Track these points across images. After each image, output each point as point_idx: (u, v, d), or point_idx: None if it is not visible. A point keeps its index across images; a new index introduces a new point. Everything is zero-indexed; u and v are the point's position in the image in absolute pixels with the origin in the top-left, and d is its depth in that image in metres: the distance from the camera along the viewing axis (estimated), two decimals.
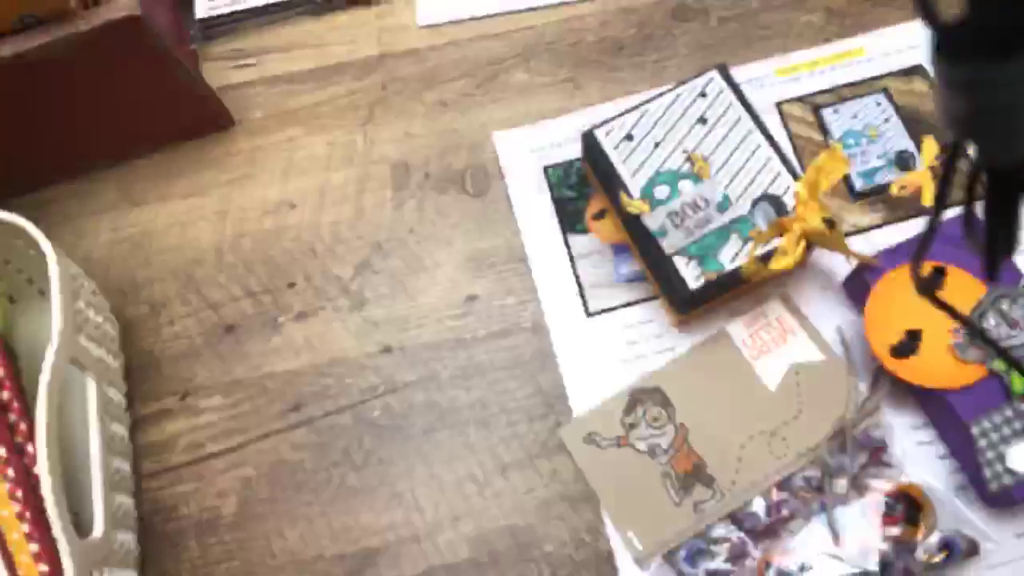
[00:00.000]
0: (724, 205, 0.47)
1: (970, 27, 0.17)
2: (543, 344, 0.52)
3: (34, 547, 0.43)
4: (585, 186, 0.55)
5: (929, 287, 0.35)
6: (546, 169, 0.56)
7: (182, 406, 0.52)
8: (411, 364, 0.52)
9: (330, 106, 0.59)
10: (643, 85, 0.58)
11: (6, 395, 0.42)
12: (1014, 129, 0.19)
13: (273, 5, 0.61)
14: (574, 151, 0.56)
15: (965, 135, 0.20)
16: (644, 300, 0.52)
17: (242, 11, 0.61)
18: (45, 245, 0.45)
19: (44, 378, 0.40)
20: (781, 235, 0.46)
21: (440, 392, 0.51)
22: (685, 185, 0.48)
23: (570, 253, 0.54)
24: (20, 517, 0.43)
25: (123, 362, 0.52)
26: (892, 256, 0.48)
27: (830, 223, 0.46)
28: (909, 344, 0.46)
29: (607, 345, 0.51)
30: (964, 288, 0.46)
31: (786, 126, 0.55)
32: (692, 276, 0.46)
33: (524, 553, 0.47)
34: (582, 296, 0.52)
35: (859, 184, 0.54)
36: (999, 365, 0.45)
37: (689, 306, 0.48)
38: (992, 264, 0.24)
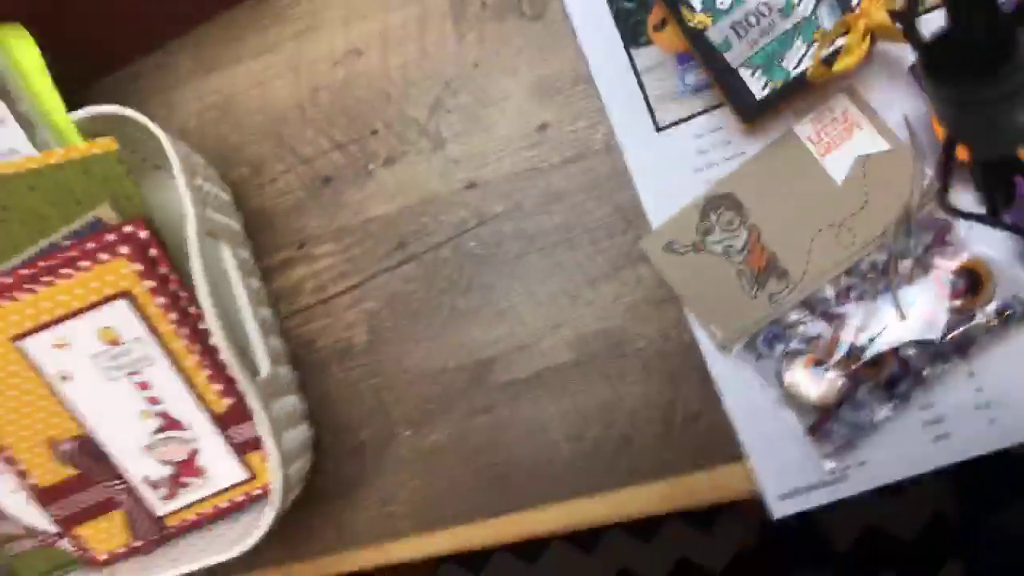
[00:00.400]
0: (787, 10, 0.47)
1: (952, 45, 0.19)
2: (617, 163, 0.55)
3: (217, 386, 0.53)
4: None
5: None
6: None
7: (301, 255, 0.59)
8: (496, 197, 0.56)
9: None
10: None
11: (163, 269, 0.49)
12: (995, 134, 0.22)
13: None
14: None
15: (954, 134, 0.23)
16: (712, 108, 0.53)
17: None
18: (158, 132, 0.49)
19: (194, 252, 0.47)
20: (845, 33, 0.46)
21: (526, 220, 0.56)
22: None
23: (635, 68, 0.55)
24: (200, 365, 0.52)
25: (242, 222, 0.59)
26: None
27: (895, 15, 0.45)
28: None
29: (679, 157, 0.54)
30: None
31: None
32: (758, 86, 0.48)
33: (619, 350, 0.55)
34: (650, 111, 0.54)
35: None
36: None
37: (756, 115, 0.50)
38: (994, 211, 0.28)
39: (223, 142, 0.60)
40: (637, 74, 0.55)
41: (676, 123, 0.54)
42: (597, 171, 0.55)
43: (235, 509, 0.58)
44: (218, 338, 0.47)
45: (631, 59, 0.55)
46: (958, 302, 0.49)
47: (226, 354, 0.47)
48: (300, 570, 0.60)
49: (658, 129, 0.54)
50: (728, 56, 0.47)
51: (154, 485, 0.56)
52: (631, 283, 0.54)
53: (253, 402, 0.48)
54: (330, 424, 0.58)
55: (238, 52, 0.60)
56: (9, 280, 0.48)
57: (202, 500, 0.57)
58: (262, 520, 0.50)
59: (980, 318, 0.49)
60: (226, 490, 0.56)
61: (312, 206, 0.59)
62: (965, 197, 0.50)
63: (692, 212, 0.53)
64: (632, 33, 0.55)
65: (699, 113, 0.54)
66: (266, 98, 0.59)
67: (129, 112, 0.50)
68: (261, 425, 0.48)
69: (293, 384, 0.56)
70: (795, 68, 0.47)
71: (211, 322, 0.47)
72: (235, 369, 0.48)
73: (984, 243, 0.49)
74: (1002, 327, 0.49)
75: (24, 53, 0.48)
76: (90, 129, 0.51)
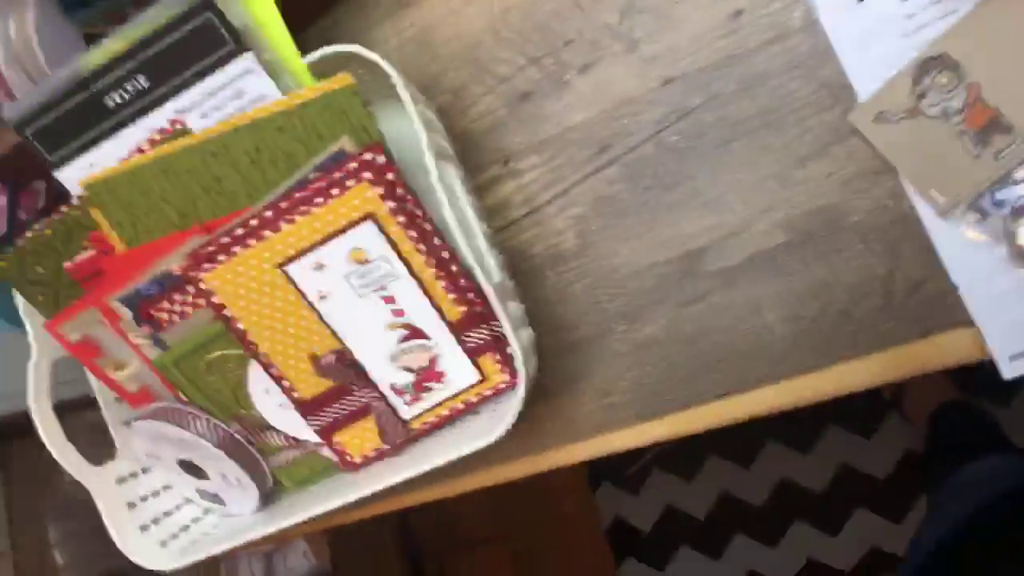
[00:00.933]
0: None
1: None
2: (817, 40, 0.54)
3: (452, 295, 0.57)
4: None
5: None
6: None
7: (506, 170, 0.62)
8: (694, 89, 0.57)
9: None
10: None
11: (400, 190, 0.54)
12: None
13: None
14: None
15: None
16: None
17: None
18: (382, 63, 0.53)
19: (432, 168, 0.51)
20: None
21: (726, 107, 0.57)
22: None
23: None
24: (436, 276, 0.57)
25: (452, 146, 0.62)
26: None
27: None
28: None
29: (884, 23, 0.53)
30: None
31: None
32: None
33: (834, 226, 0.55)
34: None
35: None
36: None
37: None
38: None
39: (423, 72, 0.64)
40: None
41: None
42: (798, 50, 0.55)
43: (468, 410, 0.63)
44: (461, 248, 0.52)
45: None
46: None
47: (468, 261, 0.52)
48: (531, 463, 0.65)
49: None
50: None
51: (400, 392, 0.61)
52: (842, 158, 0.55)
53: (494, 303, 0.52)
54: (548, 325, 0.62)
55: None
56: (271, 214, 0.54)
57: (442, 403, 0.62)
58: (509, 411, 0.55)
59: None
60: (462, 392, 0.62)
61: (513, 123, 0.62)
62: None
63: (903, 79, 0.52)
64: None
65: None
66: (460, 25, 0.62)
67: (356, 48, 0.54)
68: (504, 323, 0.52)
69: (514, 292, 0.60)
70: None
71: (455, 233, 0.51)
72: (478, 274, 0.52)
73: None
74: None
75: (262, 6, 0.52)
76: (317, 71, 0.56)
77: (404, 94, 0.52)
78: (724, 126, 0.57)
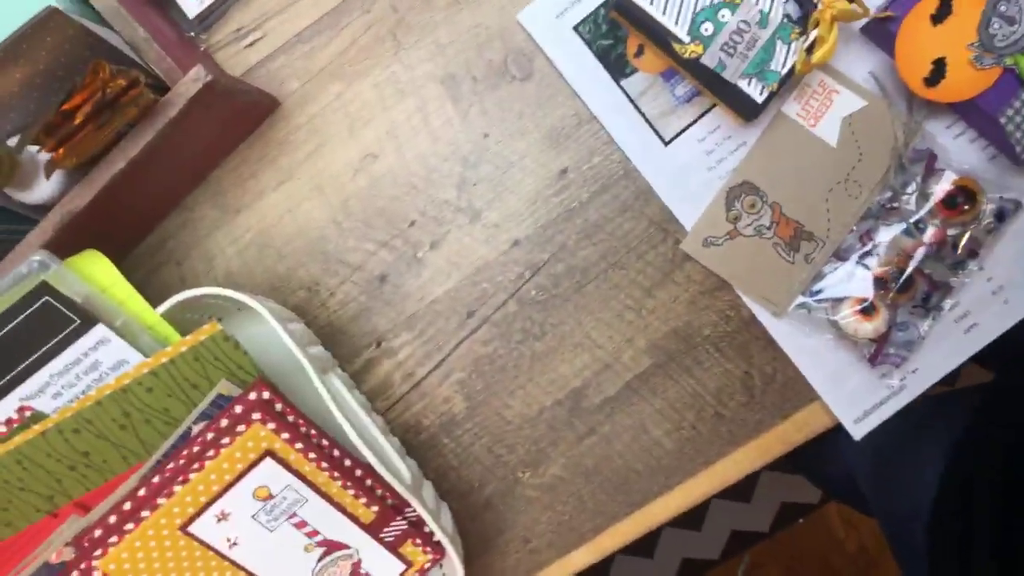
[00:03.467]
0: (764, 21, 0.53)
1: None
2: (639, 183, 0.60)
3: (362, 500, 0.57)
4: (618, 28, 0.59)
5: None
6: (576, 28, 0.60)
7: (380, 351, 0.63)
8: (540, 246, 0.61)
9: (355, 49, 0.61)
10: None
11: (291, 416, 0.53)
12: None
13: None
14: (593, 1, 0.59)
15: None
16: (706, 112, 0.59)
17: None
18: (247, 300, 0.52)
19: (327, 398, 0.51)
20: (816, 27, 0.53)
21: (573, 257, 0.61)
22: (724, 15, 0.53)
23: (628, 96, 0.60)
24: (344, 487, 0.56)
25: (319, 340, 0.62)
26: (904, 3, 0.55)
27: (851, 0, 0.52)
28: (937, 72, 0.55)
29: (690, 162, 0.60)
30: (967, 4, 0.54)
31: None
32: (756, 92, 0.54)
33: (690, 342, 0.61)
34: (654, 129, 0.60)
35: None
36: (1009, 61, 0.54)
37: (758, 115, 0.56)
38: None
39: (271, 273, 0.63)
40: (632, 101, 0.60)
41: (679, 133, 0.60)
42: (623, 196, 0.61)
43: None
44: (368, 455, 0.52)
45: (623, 90, 0.60)
46: (960, 216, 0.57)
47: (380, 470, 0.52)
48: None
49: (665, 143, 0.60)
50: (725, 74, 0.53)
51: None
52: (683, 282, 0.61)
53: (416, 505, 0.53)
54: (456, 490, 0.63)
55: (258, 188, 0.62)
56: (159, 480, 0.51)
57: None
58: None
59: (980, 223, 0.57)
60: None
61: (376, 305, 0.62)
62: (934, 125, 0.58)
63: (718, 206, 0.60)
64: (617, 66, 0.60)
65: (697, 119, 0.60)
66: (298, 222, 0.62)
67: (216, 290, 0.52)
68: (427, 519, 0.53)
69: (421, 472, 0.61)
70: (783, 67, 0.53)
71: (363, 450, 0.51)
72: (388, 478, 0.52)
73: (965, 161, 0.58)
74: (999, 224, 0.57)
75: (104, 272, 0.49)
76: (171, 316, 0.53)
77: (275, 325, 0.51)
78: (575, 273, 0.61)
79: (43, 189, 0.51)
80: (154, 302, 0.53)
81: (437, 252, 0.62)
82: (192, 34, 0.60)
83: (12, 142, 0.51)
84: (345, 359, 0.63)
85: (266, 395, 0.52)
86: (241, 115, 0.59)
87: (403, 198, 0.62)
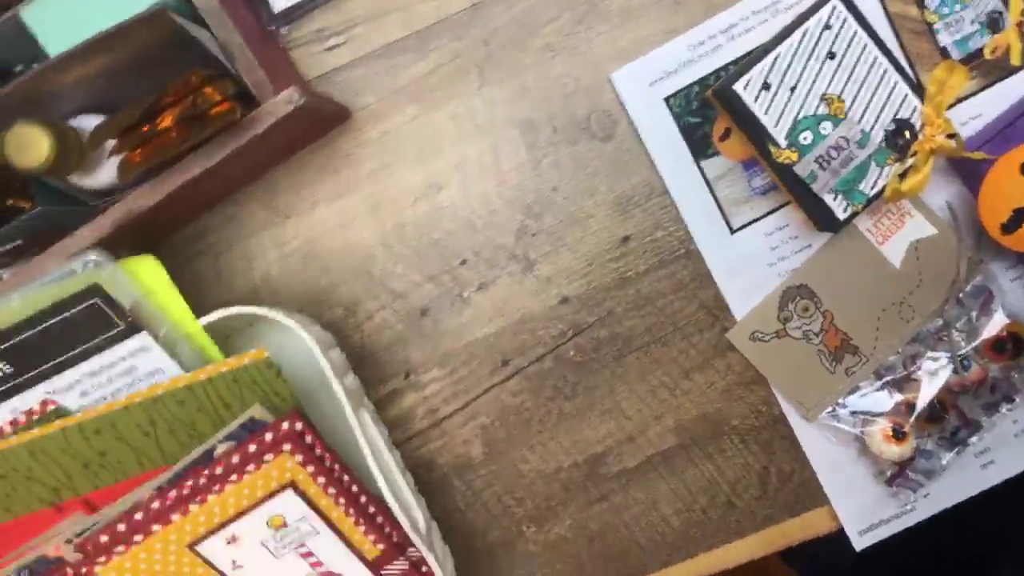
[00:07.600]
0: (863, 141, 0.52)
1: None
2: (698, 265, 0.60)
3: (371, 537, 0.56)
4: (708, 108, 0.58)
5: None
6: (667, 100, 0.58)
7: (408, 383, 0.62)
8: (588, 307, 0.61)
9: (438, 75, 0.59)
10: None
11: (319, 450, 0.52)
12: None
13: None
14: (689, 75, 0.58)
15: None
16: (779, 207, 0.59)
17: None
18: (303, 334, 0.51)
19: (358, 432, 0.50)
20: (913, 156, 0.52)
21: (619, 325, 0.61)
22: (826, 127, 0.52)
23: (705, 177, 0.59)
24: (355, 523, 0.55)
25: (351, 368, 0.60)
26: (999, 145, 0.54)
27: (951, 136, 0.52)
28: (1015, 221, 0.55)
29: (753, 254, 0.59)
30: None
31: (889, 19, 0.57)
32: (840, 208, 0.53)
33: (717, 429, 0.61)
34: (723, 215, 0.59)
35: (955, 53, 0.58)
36: None
37: (836, 231, 0.56)
38: None
39: (312, 285, 0.61)
40: (708, 183, 0.59)
41: (748, 224, 0.59)
42: (680, 274, 0.60)
43: None
44: (389, 500, 0.51)
45: (700, 170, 0.59)
46: (1005, 361, 0.58)
47: (396, 511, 0.52)
48: None
49: (732, 231, 0.59)
50: (814, 186, 0.53)
51: None
52: (722, 370, 0.61)
53: (427, 556, 0.52)
54: (459, 532, 0.63)
55: (313, 196, 0.60)
56: (176, 495, 0.49)
57: None
58: None
59: (1022, 370, 0.58)
60: None
61: (412, 336, 0.61)
62: (997, 265, 0.58)
63: (771, 303, 0.59)
64: (699, 145, 0.59)
65: (768, 213, 0.59)
66: (349, 239, 0.60)
67: (267, 311, 0.51)
68: (434, 568, 0.53)
69: (435, 528, 0.60)
70: (872, 189, 0.53)
71: (383, 490, 0.51)
72: (405, 525, 0.52)
73: (1020, 307, 0.58)
74: None
75: (153, 274, 0.47)
76: (213, 328, 0.51)
77: (322, 361, 0.50)
78: (618, 341, 0.61)
79: (101, 176, 0.49)
80: (185, 292, 0.51)
81: (483, 295, 0.61)
82: (273, 27, 0.57)
83: (75, 121, 0.48)
84: (370, 384, 0.61)
85: (299, 426, 0.51)
86: (312, 124, 0.57)
87: (459, 234, 0.60)
